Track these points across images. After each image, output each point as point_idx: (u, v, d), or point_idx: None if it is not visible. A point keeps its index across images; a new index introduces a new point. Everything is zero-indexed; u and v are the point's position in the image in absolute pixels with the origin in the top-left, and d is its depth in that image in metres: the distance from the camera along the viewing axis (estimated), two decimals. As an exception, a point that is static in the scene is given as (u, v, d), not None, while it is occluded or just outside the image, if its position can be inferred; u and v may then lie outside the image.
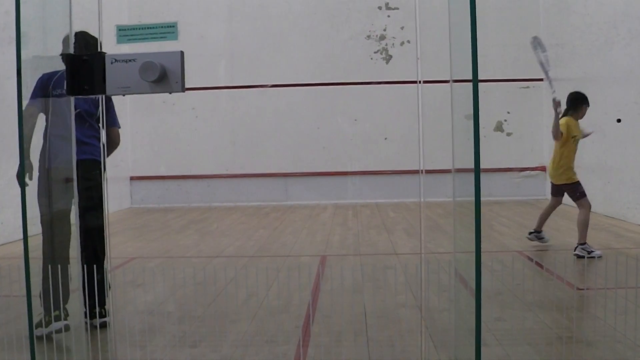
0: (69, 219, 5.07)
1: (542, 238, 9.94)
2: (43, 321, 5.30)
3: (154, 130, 18.10)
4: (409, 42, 17.47)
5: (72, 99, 3.71)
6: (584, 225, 9.19)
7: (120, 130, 6.71)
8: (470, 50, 3.32)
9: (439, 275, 7.50)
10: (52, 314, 5.13)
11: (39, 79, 5.34)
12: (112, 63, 3.25)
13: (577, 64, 14.89)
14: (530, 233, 10.02)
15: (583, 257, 8.88)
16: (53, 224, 5.34)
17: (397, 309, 6.61)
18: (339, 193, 17.29)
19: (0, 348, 5.57)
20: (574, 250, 9.06)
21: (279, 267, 8.78)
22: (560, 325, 5.80)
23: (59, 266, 4.80)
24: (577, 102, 9.71)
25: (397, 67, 17.37)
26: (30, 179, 5.53)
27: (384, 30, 17.75)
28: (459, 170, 3.73)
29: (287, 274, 8.31)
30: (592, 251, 8.99)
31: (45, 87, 5.48)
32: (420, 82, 4.88)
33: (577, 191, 9.51)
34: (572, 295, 6.84)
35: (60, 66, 3.31)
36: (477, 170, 3.36)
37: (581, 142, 9.59)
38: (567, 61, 15.65)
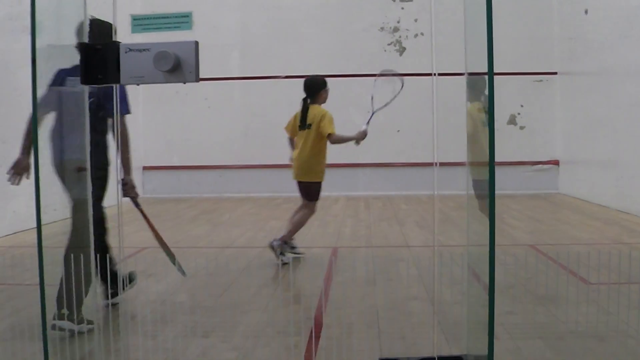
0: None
1: (294, 247, 9.00)
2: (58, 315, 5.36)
3: (167, 121, 18.09)
4: (422, 34, 17.42)
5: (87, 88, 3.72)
6: (297, 225, 8.79)
7: None
8: (486, 43, 3.30)
9: (451, 268, 7.50)
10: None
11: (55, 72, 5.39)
12: (126, 52, 3.25)
13: (590, 58, 14.84)
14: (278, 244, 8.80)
15: (273, 250, 8.54)
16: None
17: (408, 302, 6.61)
18: (351, 185, 17.25)
19: (12, 336, 5.59)
20: (271, 242, 8.64)
21: (291, 258, 8.79)
22: (572, 320, 5.78)
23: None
24: (314, 89, 8.96)
25: (410, 59, 17.31)
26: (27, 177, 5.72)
27: (398, 22, 17.71)
28: (473, 164, 3.72)
29: (299, 265, 8.31)
30: (283, 255, 8.55)
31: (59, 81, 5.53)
32: (434, 74, 4.86)
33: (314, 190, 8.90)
34: (584, 289, 6.82)
35: (75, 55, 3.31)
36: (491, 164, 3.35)
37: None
38: (580, 55, 15.61)
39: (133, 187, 6.39)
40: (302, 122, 8.82)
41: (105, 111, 6.16)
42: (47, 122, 5.60)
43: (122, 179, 6.32)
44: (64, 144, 5.90)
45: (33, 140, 3.29)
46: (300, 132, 8.88)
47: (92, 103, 6.08)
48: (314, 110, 8.79)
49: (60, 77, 5.99)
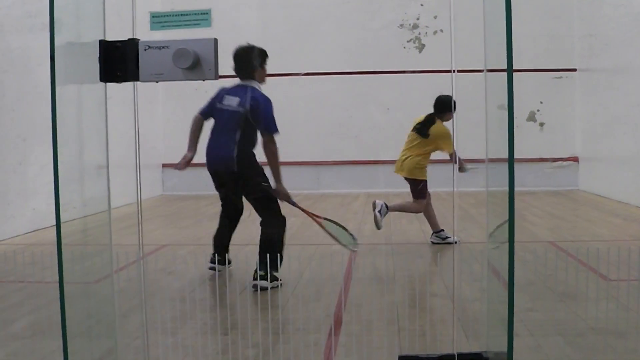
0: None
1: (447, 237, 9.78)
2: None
3: (186, 118, 17.95)
4: (442, 31, 17.37)
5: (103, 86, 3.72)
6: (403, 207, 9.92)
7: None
8: (505, 40, 3.29)
9: (470, 265, 7.48)
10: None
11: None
12: (145, 50, 3.25)
13: (610, 54, 14.77)
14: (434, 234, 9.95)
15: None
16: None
17: (428, 299, 6.60)
18: (371, 182, 17.18)
19: (32, 334, 5.62)
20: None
21: (310, 255, 8.79)
22: (592, 317, 5.76)
23: None
24: (438, 108, 9.67)
25: (430, 56, 17.26)
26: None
27: (417, 19, 17.67)
28: (492, 160, 3.71)
29: (319, 263, 8.31)
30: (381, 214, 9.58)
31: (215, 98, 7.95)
32: (454, 71, 4.85)
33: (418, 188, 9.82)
34: (604, 286, 6.79)
35: (94, 54, 3.30)
36: (511, 161, 3.33)
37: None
38: (599, 52, 15.54)
39: (285, 193, 7.62)
40: (423, 129, 9.57)
41: (255, 128, 7.60)
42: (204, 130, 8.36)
43: (275, 189, 7.56)
44: (218, 154, 8.03)
45: (52, 139, 3.28)
46: (412, 134, 9.87)
47: (241, 119, 7.57)
48: (439, 126, 9.46)
49: (221, 95, 8.00)
